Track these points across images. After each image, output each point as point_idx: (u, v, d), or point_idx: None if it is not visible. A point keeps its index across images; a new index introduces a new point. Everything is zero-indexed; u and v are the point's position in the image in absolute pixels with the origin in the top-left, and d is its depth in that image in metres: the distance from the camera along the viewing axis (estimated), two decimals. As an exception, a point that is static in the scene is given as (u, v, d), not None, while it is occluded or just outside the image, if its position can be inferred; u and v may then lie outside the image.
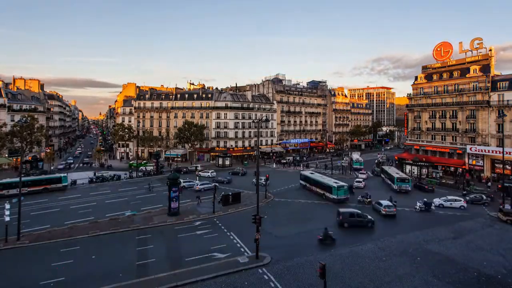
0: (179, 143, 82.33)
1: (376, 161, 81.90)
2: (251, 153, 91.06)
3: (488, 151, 57.46)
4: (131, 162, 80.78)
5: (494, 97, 58.43)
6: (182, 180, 51.73)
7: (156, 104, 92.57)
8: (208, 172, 65.23)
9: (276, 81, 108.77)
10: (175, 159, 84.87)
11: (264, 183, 53.56)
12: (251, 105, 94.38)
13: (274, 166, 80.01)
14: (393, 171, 56.05)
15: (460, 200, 42.29)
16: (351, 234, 31.88)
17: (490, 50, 62.48)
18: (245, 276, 23.19)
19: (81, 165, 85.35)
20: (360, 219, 33.64)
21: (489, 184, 53.88)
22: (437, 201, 42.77)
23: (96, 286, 21.74)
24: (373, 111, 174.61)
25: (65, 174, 57.36)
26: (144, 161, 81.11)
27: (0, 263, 26.34)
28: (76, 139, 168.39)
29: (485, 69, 61.55)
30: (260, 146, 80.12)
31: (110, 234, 32.19)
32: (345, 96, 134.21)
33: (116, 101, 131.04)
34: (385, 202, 39.82)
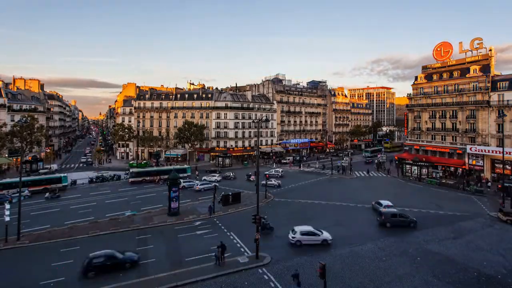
0: (179, 143, 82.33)
1: (376, 161, 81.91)
2: (251, 153, 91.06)
3: (488, 151, 57.44)
4: (131, 162, 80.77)
5: (494, 97, 58.41)
6: (182, 180, 51.76)
7: (156, 104, 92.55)
8: (215, 175, 60.79)
9: (276, 81, 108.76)
10: (175, 159, 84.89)
11: (275, 183, 53.72)
12: (251, 105, 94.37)
13: (274, 166, 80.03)
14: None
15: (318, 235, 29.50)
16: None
17: (490, 50, 62.45)
18: (245, 276, 23.20)
19: (80, 165, 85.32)
20: (403, 219, 33.91)
21: (489, 184, 53.88)
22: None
23: (96, 286, 21.74)
24: (373, 111, 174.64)
25: (65, 174, 57.37)
26: (144, 161, 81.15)
27: (0, 263, 26.34)
28: (76, 139, 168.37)
29: (485, 69, 61.53)
30: (260, 146, 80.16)
31: (110, 234, 32.19)
32: (345, 96, 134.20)
33: (116, 101, 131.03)
34: (384, 202, 39.85)
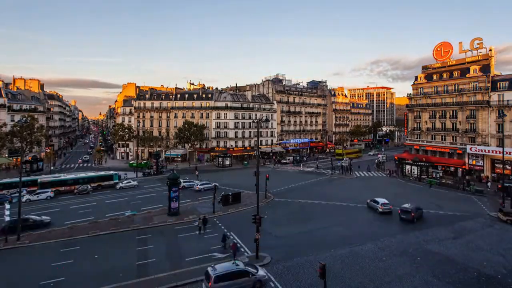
0: (179, 143, 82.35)
1: (376, 161, 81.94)
2: (251, 153, 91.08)
3: (488, 151, 57.45)
4: (131, 162, 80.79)
5: (494, 97, 58.42)
6: (182, 180, 51.77)
7: (156, 104, 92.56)
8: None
9: (276, 81, 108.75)
10: (175, 159, 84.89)
11: None
12: (251, 105, 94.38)
13: (274, 166, 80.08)
14: None
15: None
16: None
17: (490, 50, 62.44)
18: (245, 276, 23.12)
19: (80, 165, 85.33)
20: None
21: (489, 184, 53.87)
22: None
23: (96, 286, 21.74)
24: (373, 111, 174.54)
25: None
26: (144, 161, 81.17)
27: (0, 263, 26.35)
28: (76, 139, 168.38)
29: (485, 69, 61.54)
30: (260, 146, 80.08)
31: (110, 234, 32.18)
32: (345, 96, 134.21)
33: (116, 101, 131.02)
34: (381, 200, 39.92)
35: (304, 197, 47.07)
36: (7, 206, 30.34)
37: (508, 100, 56.26)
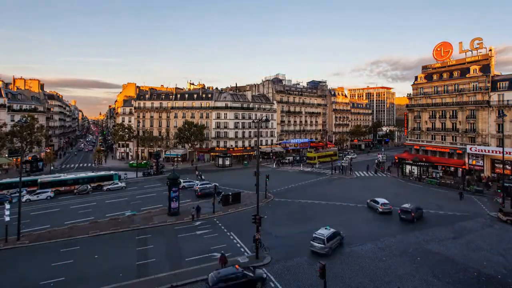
0: (179, 143, 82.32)
1: (376, 161, 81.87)
2: (251, 153, 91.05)
3: (488, 151, 57.43)
4: (131, 162, 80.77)
5: (494, 97, 58.40)
6: (182, 180, 51.79)
7: (156, 104, 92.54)
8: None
9: (276, 81, 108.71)
10: (175, 159, 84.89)
11: None
12: (251, 105, 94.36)
13: (274, 166, 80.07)
14: None
15: None
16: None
17: (490, 50, 62.42)
18: (245, 276, 23.12)
19: (80, 165, 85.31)
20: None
21: (489, 184, 53.84)
22: None
23: (96, 286, 21.76)
24: (373, 111, 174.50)
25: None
26: (144, 161, 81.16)
27: (0, 263, 26.35)
28: (76, 139, 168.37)
29: (485, 69, 61.52)
30: (260, 146, 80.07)
31: (110, 234, 32.20)
32: (345, 96, 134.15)
33: (116, 101, 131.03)
34: (381, 200, 39.91)
35: (304, 197, 47.07)
36: (7, 206, 30.32)
37: (508, 100, 56.25)
